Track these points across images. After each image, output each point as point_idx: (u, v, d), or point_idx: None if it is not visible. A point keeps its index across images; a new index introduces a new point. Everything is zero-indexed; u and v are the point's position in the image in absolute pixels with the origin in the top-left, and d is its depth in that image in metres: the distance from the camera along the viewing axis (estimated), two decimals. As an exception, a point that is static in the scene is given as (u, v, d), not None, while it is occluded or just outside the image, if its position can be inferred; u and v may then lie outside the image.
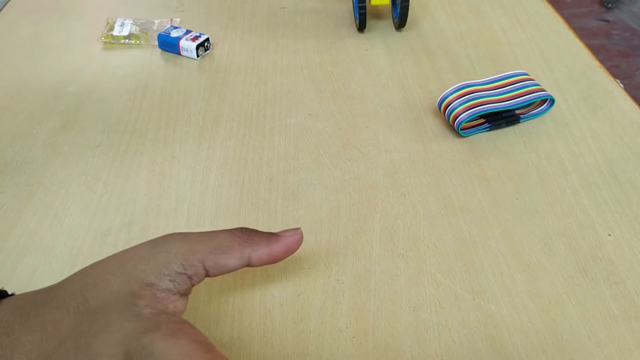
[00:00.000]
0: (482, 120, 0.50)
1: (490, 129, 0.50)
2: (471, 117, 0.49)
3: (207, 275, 0.30)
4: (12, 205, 0.43)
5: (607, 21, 2.04)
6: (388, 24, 0.65)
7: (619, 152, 0.48)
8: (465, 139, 0.50)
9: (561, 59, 0.59)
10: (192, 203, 0.44)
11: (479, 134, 0.50)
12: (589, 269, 0.39)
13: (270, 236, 0.32)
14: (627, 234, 0.42)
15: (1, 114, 0.52)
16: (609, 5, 2.09)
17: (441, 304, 0.37)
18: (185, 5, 0.67)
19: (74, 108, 0.53)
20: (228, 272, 0.31)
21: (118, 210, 0.43)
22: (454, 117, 0.49)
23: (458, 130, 0.49)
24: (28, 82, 0.56)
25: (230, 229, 0.32)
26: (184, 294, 0.30)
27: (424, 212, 0.43)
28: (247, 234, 0.31)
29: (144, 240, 0.40)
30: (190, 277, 0.29)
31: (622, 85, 0.57)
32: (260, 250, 0.31)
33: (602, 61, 0.60)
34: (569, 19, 0.59)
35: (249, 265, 0.32)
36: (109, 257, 0.30)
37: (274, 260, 0.32)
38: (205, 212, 0.43)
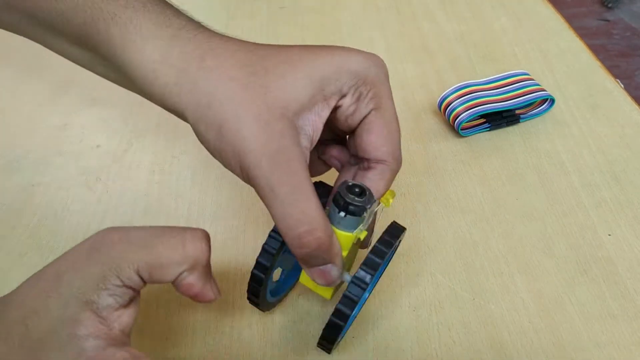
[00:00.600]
0: (482, 120, 0.50)
1: (491, 128, 0.50)
2: (471, 117, 0.49)
3: (146, 283, 0.27)
4: (12, 205, 0.43)
5: (608, 21, 2.04)
6: (388, 22, 0.65)
7: (619, 152, 0.48)
8: (466, 138, 0.50)
9: (561, 59, 0.59)
10: (193, 203, 0.44)
11: (479, 133, 0.50)
12: (589, 269, 0.39)
13: (206, 248, 0.28)
14: (627, 234, 0.42)
15: (1, 113, 0.52)
16: (610, 4, 2.09)
17: (441, 304, 0.37)
18: (185, 4, 0.67)
19: (74, 107, 0.53)
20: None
21: (118, 210, 0.43)
22: (454, 116, 0.49)
23: (458, 130, 0.49)
24: (28, 82, 0.56)
25: (183, 231, 0.28)
26: (129, 305, 0.27)
27: (424, 212, 0.43)
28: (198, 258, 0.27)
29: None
30: (131, 288, 0.27)
31: (622, 85, 0.57)
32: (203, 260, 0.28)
33: (603, 61, 0.60)
34: (569, 19, 0.59)
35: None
36: (47, 268, 0.27)
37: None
38: (205, 212, 0.43)
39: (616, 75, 0.58)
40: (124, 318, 0.27)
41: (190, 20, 0.31)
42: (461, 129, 0.49)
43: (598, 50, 1.89)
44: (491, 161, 0.48)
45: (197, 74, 0.28)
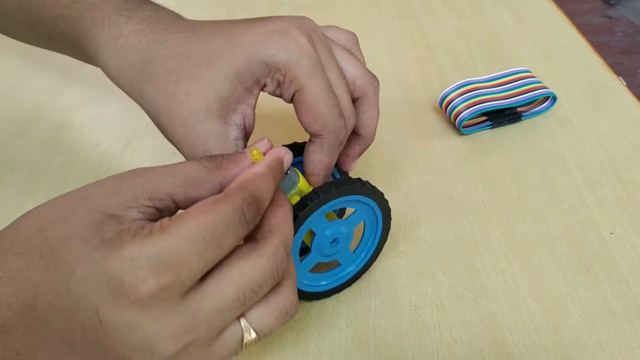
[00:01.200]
0: (484, 118, 0.50)
1: (492, 126, 0.50)
2: (473, 115, 0.48)
3: (179, 208, 0.28)
4: (11, 204, 0.43)
5: (610, 18, 2.04)
6: (389, 19, 0.65)
7: (622, 150, 0.48)
8: (467, 136, 0.50)
9: (563, 56, 0.59)
10: (192, 201, 0.43)
11: (480, 131, 0.50)
12: (591, 267, 0.39)
13: (238, 156, 0.30)
14: (629, 233, 0.41)
15: (0, 112, 0.52)
16: (612, 1, 2.09)
17: (442, 303, 0.37)
18: (185, 1, 0.67)
19: (73, 106, 0.53)
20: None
21: (117, 209, 0.43)
22: (455, 114, 0.49)
23: (460, 128, 0.49)
24: (27, 80, 0.56)
25: (197, 159, 0.29)
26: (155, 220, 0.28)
27: (425, 210, 0.43)
28: (213, 162, 0.29)
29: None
30: (159, 210, 0.27)
31: (624, 83, 0.56)
32: (231, 174, 0.29)
33: (605, 58, 0.59)
34: (572, 16, 0.58)
35: (220, 191, 0.29)
36: (70, 193, 0.28)
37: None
38: (205, 211, 0.43)
39: (619, 73, 0.58)
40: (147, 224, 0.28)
41: (142, 18, 0.35)
42: (463, 127, 0.49)
43: (600, 48, 1.88)
44: (493, 159, 0.48)
45: (141, 85, 0.34)
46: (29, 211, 0.27)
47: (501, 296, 0.37)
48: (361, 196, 0.34)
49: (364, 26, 0.64)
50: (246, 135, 0.33)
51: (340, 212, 0.40)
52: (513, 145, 0.49)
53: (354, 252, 0.37)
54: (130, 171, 0.28)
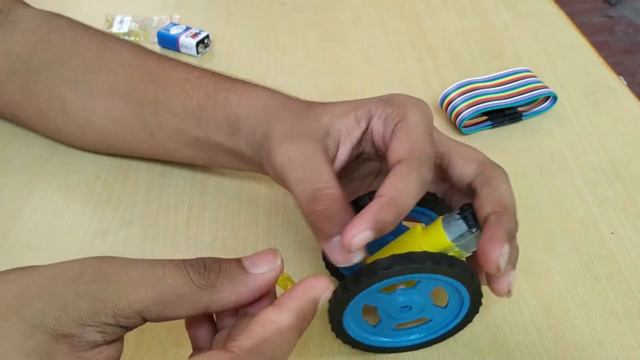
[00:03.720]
0: (485, 118, 0.50)
1: (493, 126, 0.50)
2: (473, 115, 0.48)
3: (146, 322, 0.24)
4: (11, 203, 0.43)
5: (611, 17, 2.03)
6: (389, 19, 0.64)
7: (622, 150, 0.48)
8: (468, 136, 0.49)
9: (564, 56, 0.58)
10: (192, 201, 0.43)
11: (481, 131, 0.50)
12: (591, 267, 0.39)
13: (237, 274, 0.24)
14: (630, 232, 0.41)
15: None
16: (613, 1, 2.08)
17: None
18: (185, 1, 0.67)
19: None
20: (174, 319, 0.24)
21: (118, 209, 0.43)
22: (456, 114, 0.49)
23: (460, 127, 0.49)
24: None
25: (184, 263, 0.24)
26: (115, 342, 0.23)
27: (426, 210, 0.43)
28: (205, 276, 0.24)
29: (143, 239, 0.40)
30: (124, 328, 0.23)
31: (625, 82, 0.56)
32: (223, 299, 0.24)
33: (605, 58, 0.59)
34: (572, 15, 0.58)
35: (204, 313, 0.24)
36: (5, 285, 0.22)
37: (239, 307, 0.25)
38: (205, 210, 0.43)
39: (619, 72, 0.58)
40: (110, 351, 0.23)
41: (280, 93, 0.38)
42: (463, 127, 0.49)
43: (601, 47, 1.88)
44: (493, 159, 0.47)
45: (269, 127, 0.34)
46: None
47: (502, 296, 0.37)
48: (431, 274, 0.29)
49: (364, 26, 0.64)
50: (334, 168, 0.32)
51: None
52: (513, 145, 0.49)
53: (445, 307, 0.32)
54: (93, 266, 0.22)
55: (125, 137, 0.42)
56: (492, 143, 0.49)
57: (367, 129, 0.33)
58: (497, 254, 0.27)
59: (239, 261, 0.25)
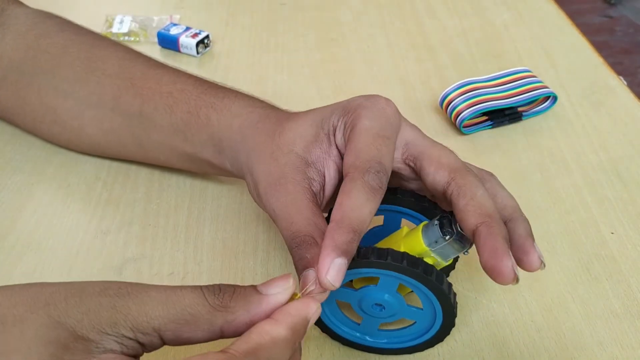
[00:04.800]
0: (485, 118, 0.50)
1: (493, 126, 0.50)
2: (473, 115, 0.48)
3: (164, 344, 0.24)
4: (11, 203, 0.43)
5: (611, 17, 2.03)
6: (390, 19, 0.64)
7: (622, 150, 0.48)
8: (468, 136, 0.49)
9: (564, 56, 0.58)
10: (192, 201, 0.43)
11: (481, 131, 0.50)
12: (591, 267, 0.39)
13: (251, 297, 0.25)
14: (630, 232, 0.41)
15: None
16: (613, 1, 2.08)
17: (443, 303, 0.37)
18: (185, 1, 0.67)
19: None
20: (192, 344, 0.25)
21: (118, 209, 0.43)
22: (456, 114, 0.49)
23: (460, 127, 0.49)
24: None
25: (200, 287, 0.25)
26: (134, 356, 0.24)
27: (426, 210, 0.43)
28: (220, 298, 0.24)
29: (143, 239, 0.40)
30: (142, 345, 0.23)
31: (625, 82, 0.56)
32: (237, 320, 0.24)
33: (606, 58, 0.59)
34: (572, 15, 0.58)
35: (221, 337, 0.25)
36: (29, 286, 0.23)
37: (264, 315, 0.25)
38: (205, 211, 0.43)
39: (619, 72, 0.58)
40: None
41: (257, 104, 0.38)
42: (463, 127, 0.49)
43: (601, 47, 1.88)
44: (493, 159, 0.47)
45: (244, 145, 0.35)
46: None
47: (502, 296, 0.37)
48: (386, 271, 0.29)
49: (364, 26, 0.64)
50: (323, 188, 0.32)
51: None
52: (513, 145, 0.49)
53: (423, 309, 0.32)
54: (119, 285, 0.24)
55: (118, 148, 0.43)
56: (492, 143, 0.49)
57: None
58: (508, 267, 0.27)
59: (253, 286, 0.26)
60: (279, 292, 0.25)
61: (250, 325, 0.25)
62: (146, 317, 0.23)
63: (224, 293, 0.25)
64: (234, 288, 0.25)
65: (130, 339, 0.23)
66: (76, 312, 0.22)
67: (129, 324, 0.23)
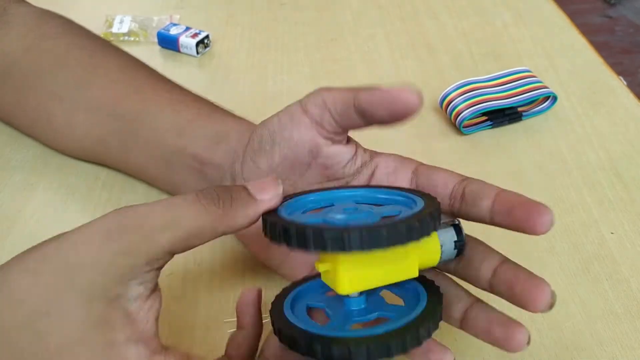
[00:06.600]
0: (484, 118, 0.50)
1: (493, 126, 0.50)
2: (473, 115, 0.48)
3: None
4: (11, 204, 0.43)
5: (611, 17, 2.03)
6: (390, 19, 0.64)
7: (622, 150, 0.48)
8: (467, 136, 0.49)
9: (564, 56, 0.58)
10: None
11: (481, 131, 0.50)
12: (591, 267, 0.39)
13: (247, 202, 0.26)
14: (630, 232, 0.41)
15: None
16: (613, 1, 2.08)
17: (442, 303, 0.37)
18: (185, 1, 0.67)
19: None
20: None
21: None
22: (456, 114, 0.49)
23: (460, 127, 0.49)
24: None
25: (198, 198, 0.25)
26: (154, 289, 0.26)
27: (426, 210, 0.43)
28: (220, 207, 0.25)
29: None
30: (157, 269, 0.25)
31: (625, 82, 0.56)
32: (237, 224, 0.26)
33: (606, 58, 0.59)
34: (572, 15, 0.58)
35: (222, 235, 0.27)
36: (50, 258, 0.24)
37: (258, 218, 0.27)
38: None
39: (619, 72, 0.58)
40: (155, 304, 0.25)
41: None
42: (463, 127, 0.49)
43: (601, 47, 1.88)
44: (493, 159, 0.47)
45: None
46: (4, 276, 0.23)
47: (502, 296, 0.37)
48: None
49: (364, 26, 0.64)
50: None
51: None
52: (513, 145, 0.49)
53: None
54: (119, 223, 0.24)
55: (103, 157, 0.44)
56: (492, 143, 0.49)
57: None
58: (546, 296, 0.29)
59: (245, 188, 0.27)
60: (271, 198, 0.27)
61: (247, 226, 0.26)
62: (158, 247, 0.24)
63: (223, 201, 0.26)
64: (230, 193, 0.26)
65: (148, 271, 0.24)
66: (96, 273, 0.23)
67: (144, 261, 0.24)
